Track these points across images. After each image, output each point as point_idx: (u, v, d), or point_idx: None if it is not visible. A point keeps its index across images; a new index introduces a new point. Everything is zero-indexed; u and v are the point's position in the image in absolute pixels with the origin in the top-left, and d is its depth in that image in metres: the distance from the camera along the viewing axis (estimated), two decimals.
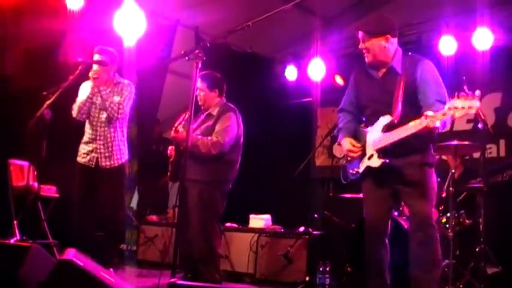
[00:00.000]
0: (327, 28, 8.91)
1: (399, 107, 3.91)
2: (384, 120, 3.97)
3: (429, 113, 3.56)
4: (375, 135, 4.02)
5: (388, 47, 4.00)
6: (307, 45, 8.94)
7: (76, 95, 5.48)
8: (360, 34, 4.05)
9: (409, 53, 4.09)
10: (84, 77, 5.32)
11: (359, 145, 4.13)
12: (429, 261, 3.95)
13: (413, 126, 3.67)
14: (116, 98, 5.41)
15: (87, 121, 5.48)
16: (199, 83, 5.12)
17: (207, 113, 5.29)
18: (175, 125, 4.99)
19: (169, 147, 5.28)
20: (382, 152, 3.94)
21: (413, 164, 3.97)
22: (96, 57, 5.40)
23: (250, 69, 9.07)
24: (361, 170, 4.12)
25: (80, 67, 5.10)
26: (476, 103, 3.41)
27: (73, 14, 6.61)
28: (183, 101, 4.84)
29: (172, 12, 7.83)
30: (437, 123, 3.59)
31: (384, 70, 4.07)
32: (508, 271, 5.79)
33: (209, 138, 5.03)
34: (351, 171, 4.22)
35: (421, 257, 3.95)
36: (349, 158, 4.22)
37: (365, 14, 8.49)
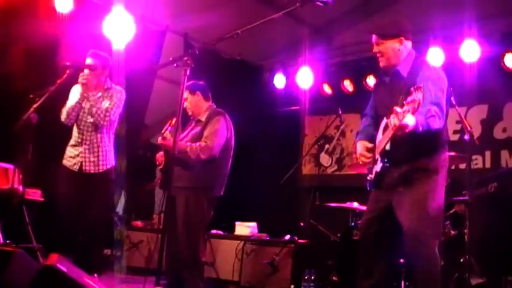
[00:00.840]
0: (315, 37, 8.95)
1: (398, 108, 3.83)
2: (383, 123, 3.95)
3: (397, 109, 3.38)
4: (378, 138, 4.00)
5: (402, 50, 3.94)
6: (295, 54, 8.97)
7: (64, 99, 5.41)
8: (373, 37, 3.99)
9: (421, 58, 4.05)
10: (72, 80, 5.27)
11: (371, 146, 4.08)
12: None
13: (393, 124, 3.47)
14: (105, 104, 5.33)
15: (75, 125, 5.40)
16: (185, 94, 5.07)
17: (196, 119, 5.27)
18: (163, 131, 4.97)
19: (158, 154, 5.25)
20: (383, 155, 3.88)
21: (416, 169, 3.84)
22: (88, 61, 5.33)
23: (239, 76, 9.08)
24: (372, 177, 4.04)
25: (67, 71, 5.06)
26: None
27: (62, 18, 6.59)
28: (171, 107, 4.84)
29: (161, 18, 7.83)
30: (409, 122, 3.38)
31: (391, 74, 4.02)
32: (492, 282, 5.81)
33: (198, 144, 5.01)
34: (367, 178, 4.13)
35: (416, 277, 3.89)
36: (361, 162, 4.16)
37: (353, 25, 8.56)
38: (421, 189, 3.80)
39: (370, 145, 4.07)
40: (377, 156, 3.96)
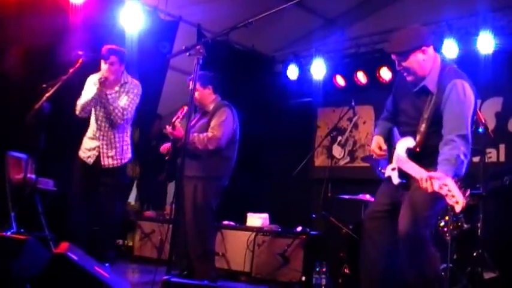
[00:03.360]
0: (328, 28, 8.91)
1: (423, 129, 3.71)
2: (409, 142, 3.80)
3: (434, 174, 3.29)
4: (401, 151, 3.83)
5: (426, 60, 3.74)
6: (308, 45, 8.94)
7: (76, 88, 5.42)
8: (394, 56, 3.80)
9: (448, 67, 3.80)
10: (85, 70, 5.28)
11: (385, 148, 4.00)
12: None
13: (420, 177, 3.42)
14: (122, 101, 5.32)
15: (93, 117, 5.41)
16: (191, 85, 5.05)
17: (203, 110, 5.28)
18: (173, 120, 4.97)
19: (164, 145, 5.25)
20: (403, 176, 3.79)
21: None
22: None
23: (252, 67, 9.07)
24: (385, 175, 3.99)
25: (80, 60, 5.07)
26: (462, 201, 3.16)
27: (76, 8, 6.60)
28: (183, 97, 4.83)
29: (174, 9, 7.81)
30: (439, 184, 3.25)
31: (419, 86, 3.81)
32: (505, 276, 5.77)
33: (205, 134, 5.02)
34: (379, 168, 4.09)
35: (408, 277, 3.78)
36: (374, 156, 4.09)
37: (367, 16, 8.52)
38: (427, 194, 3.55)
39: (384, 146, 3.99)
40: (395, 165, 3.86)
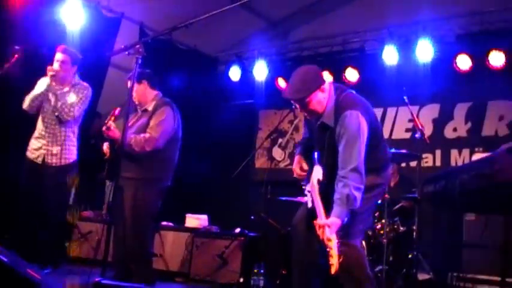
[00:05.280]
0: (272, 31, 8.97)
1: (326, 163, 3.88)
2: (319, 173, 3.92)
3: (327, 222, 3.54)
4: (314, 179, 3.93)
5: (325, 96, 3.85)
6: (252, 47, 8.96)
7: (15, 83, 5.46)
8: (296, 102, 3.88)
9: (342, 95, 3.88)
10: (24, 66, 5.23)
11: (306, 168, 4.11)
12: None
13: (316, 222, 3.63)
14: (70, 99, 5.39)
15: (40, 117, 5.44)
16: (129, 83, 4.99)
17: (142, 109, 5.18)
18: (106, 121, 4.88)
19: (104, 144, 5.16)
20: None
21: None
22: (58, 56, 5.40)
23: (195, 67, 9.02)
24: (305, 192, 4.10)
25: (16, 55, 4.99)
26: (336, 265, 3.36)
27: (16, 4, 6.44)
28: (124, 96, 4.76)
29: (117, 5, 7.70)
30: (334, 230, 3.50)
31: (319, 122, 3.92)
32: (438, 278, 5.93)
33: (142, 135, 4.93)
34: (302, 183, 4.18)
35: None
36: (295, 175, 4.21)
37: (311, 20, 8.60)
38: None
39: (305, 166, 4.11)
40: (309, 190, 3.96)
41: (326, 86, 3.85)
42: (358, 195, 3.64)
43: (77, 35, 6.89)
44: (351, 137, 3.71)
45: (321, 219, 3.62)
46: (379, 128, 4.05)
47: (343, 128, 3.74)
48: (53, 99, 5.33)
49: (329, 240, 3.44)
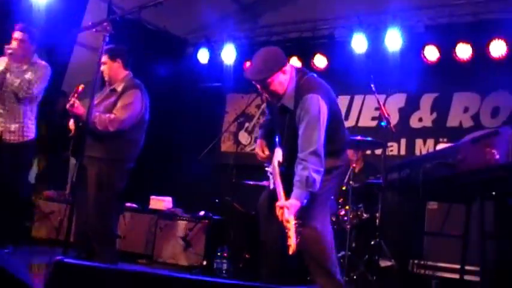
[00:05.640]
0: (242, 14, 8.91)
1: (286, 146, 3.95)
2: (279, 154, 4.00)
3: (286, 204, 3.60)
4: (275, 161, 4.00)
5: (286, 78, 3.88)
6: (221, 29, 8.89)
7: None
8: (257, 84, 3.89)
9: (304, 79, 3.92)
10: None
11: (267, 153, 4.15)
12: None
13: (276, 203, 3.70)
14: (29, 77, 5.34)
15: None
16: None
17: (111, 87, 5.10)
18: (70, 97, 4.80)
19: (70, 121, 5.08)
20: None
21: None
22: (16, 34, 5.33)
23: (163, 48, 8.93)
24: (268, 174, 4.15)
25: None
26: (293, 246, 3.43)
27: None
28: (90, 74, 4.68)
29: None
30: (294, 210, 3.58)
31: (279, 104, 3.95)
32: (400, 265, 6.02)
33: (107, 115, 4.86)
34: (265, 165, 4.20)
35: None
36: (259, 158, 4.23)
37: (281, 5, 8.57)
38: None
39: (266, 150, 4.14)
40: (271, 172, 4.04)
41: (288, 68, 3.89)
42: (317, 177, 3.69)
43: (43, 11, 6.76)
44: (311, 120, 3.75)
45: (281, 201, 3.68)
46: (338, 112, 4.07)
47: (304, 111, 3.78)
48: (11, 78, 5.28)
49: (287, 221, 3.49)
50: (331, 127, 3.86)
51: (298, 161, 3.74)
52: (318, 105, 3.76)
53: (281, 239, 4.00)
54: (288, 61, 8.02)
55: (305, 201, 3.67)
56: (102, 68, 4.91)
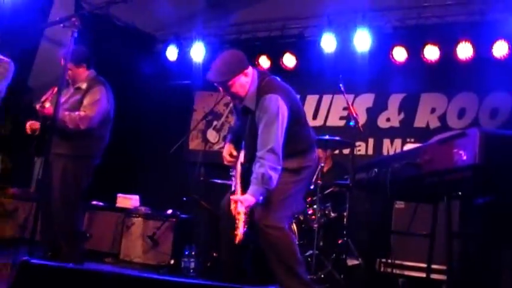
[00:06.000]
0: (212, 12, 8.86)
1: (248, 146, 4.02)
2: (243, 156, 4.11)
3: (240, 198, 3.72)
4: (238, 164, 4.14)
5: (248, 80, 3.94)
6: (190, 27, 8.84)
7: None
8: (219, 86, 3.96)
9: (265, 80, 3.98)
10: None
11: (235, 154, 4.20)
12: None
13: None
14: None
15: None
16: (62, 61, 4.85)
17: (75, 86, 5.06)
18: (42, 99, 4.75)
19: (29, 122, 4.98)
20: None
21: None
22: None
23: (132, 44, 8.84)
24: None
25: None
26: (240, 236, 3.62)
27: None
28: (56, 70, 4.63)
29: None
30: (246, 206, 3.67)
31: (242, 105, 4.02)
32: (366, 264, 6.06)
33: (77, 113, 4.83)
34: (231, 169, 4.27)
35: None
36: (225, 162, 4.28)
37: (251, 3, 8.54)
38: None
39: (234, 153, 4.20)
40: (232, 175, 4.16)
41: (249, 71, 3.95)
42: (273, 175, 3.74)
43: (8, 3, 6.63)
44: (270, 119, 3.80)
45: (237, 195, 3.83)
46: (301, 112, 4.13)
47: (263, 110, 3.84)
48: None
49: (238, 214, 3.64)
50: (294, 127, 3.92)
51: (256, 160, 3.80)
52: (276, 105, 3.81)
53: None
54: (257, 60, 8.17)
55: (261, 197, 3.72)
56: (68, 73, 4.87)
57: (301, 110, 4.17)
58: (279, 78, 4.10)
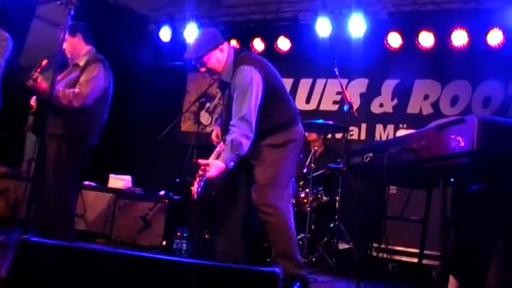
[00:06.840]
0: None
1: (225, 119, 4.10)
2: (218, 129, 4.26)
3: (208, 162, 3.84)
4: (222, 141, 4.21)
5: (224, 56, 4.06)
6: (184, 8, 8.77)
7: None
8: (196, 63, 4.07)
9: (241, 55, 4.10)
10: None
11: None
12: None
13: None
14: None
15: None
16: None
17: (73, 63, 4.96)
18: (32, 73, 4.65)
19: (32, 98, 4.92)
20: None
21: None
22: None
23: (124, 25, 8.76)
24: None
25: None
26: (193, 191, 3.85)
27: None
28: (48, 49, 4.57)
29: None
30: (217, 170, 3.77)
31: (219, 80, 4.18)
32: (358, 248, 6.09)
33: (71, 89, 4.72)
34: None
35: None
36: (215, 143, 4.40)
37: None
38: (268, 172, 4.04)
39: (220, 135, 4.30)
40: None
41: (224, 46, 4.08)
42: (244, 141, 3.82)
43: None
44: (243, 88, 3.90)
45: (209, 159, 3.94)
46: (279, 85, 4.19)
47: (237, 81, 3.95)
48: None
49: (200, 175, 3.80)
50: (272, 101, 4.01)
51: (229, 128, 3.89)
52: (250, 75, 3.91)
53: (242, 220, 4.09)
54: (251, 43, 8.14)
55: (231, 163, 3.80)
56: (64, 45, 4.77)
57: (280, 83, 4.21)
58: (255, 53, 4.27)
